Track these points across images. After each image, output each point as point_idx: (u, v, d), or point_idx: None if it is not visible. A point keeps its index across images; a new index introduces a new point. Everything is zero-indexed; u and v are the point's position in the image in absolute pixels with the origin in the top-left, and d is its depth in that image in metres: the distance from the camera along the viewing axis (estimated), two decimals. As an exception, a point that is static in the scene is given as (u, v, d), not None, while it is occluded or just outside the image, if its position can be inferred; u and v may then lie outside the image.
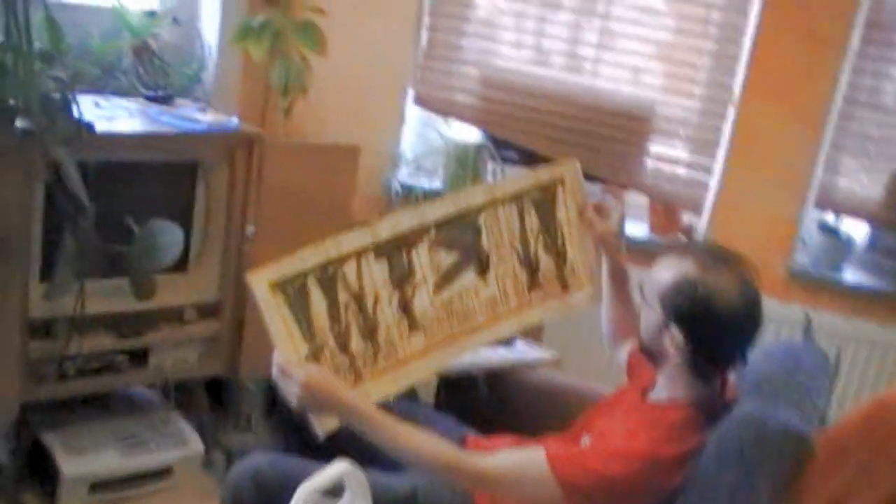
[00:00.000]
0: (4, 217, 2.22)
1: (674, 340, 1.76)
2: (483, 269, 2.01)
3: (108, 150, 2.35)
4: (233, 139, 2.64)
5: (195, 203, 2.67)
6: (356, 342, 1.85)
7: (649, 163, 3.46)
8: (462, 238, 1.98)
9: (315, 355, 1.80)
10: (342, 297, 1.83)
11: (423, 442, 1.78)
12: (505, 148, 3.58)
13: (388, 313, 1.89)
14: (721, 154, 3.34)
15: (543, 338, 3.17)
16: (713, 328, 1.73)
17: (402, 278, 1.90)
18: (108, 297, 2.45)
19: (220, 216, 2.71)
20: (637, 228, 3.49)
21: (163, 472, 2.76)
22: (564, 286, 2.09)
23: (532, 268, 2.06)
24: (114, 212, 2.31)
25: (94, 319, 2.48)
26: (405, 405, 2.23)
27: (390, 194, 3.47)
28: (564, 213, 2.07)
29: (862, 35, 3.16)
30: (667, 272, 1.79)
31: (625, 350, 2.13)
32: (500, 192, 2.03)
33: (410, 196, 3.44)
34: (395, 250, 1.89)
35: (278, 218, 2.77)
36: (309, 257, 1.80)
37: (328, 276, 1.81)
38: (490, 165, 3.52)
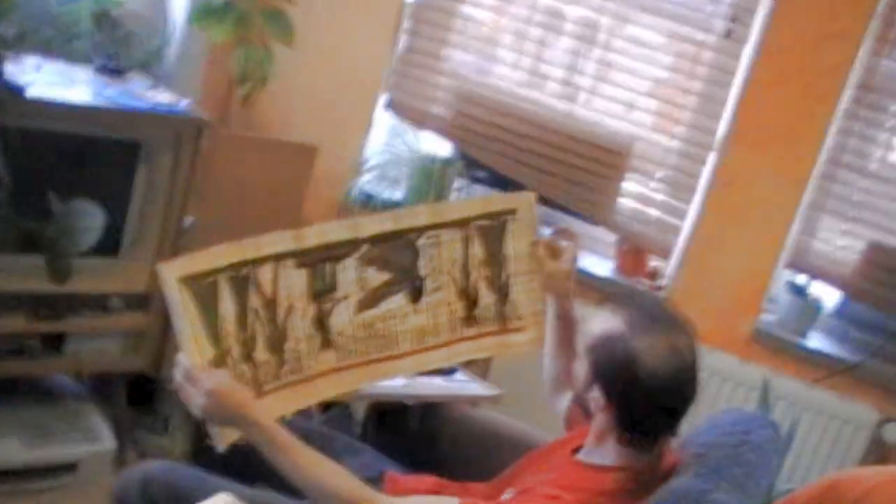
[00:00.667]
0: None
1: (597, 400, 1.63)
2: (416, 295, 1.88)
3: (37, 118, 2.20)
4: (180, 123, 2.52)
5: (133, 186, 2.54)
6: (261, 352, 1.72)
7: (622, 201, 3.34)
8: (397, 258, 1.85)
9: (218, 361, 1.65)
10: (253, 301, 1.69)
11: (329, 474, 1.63)
12: (476, 167, 3.45)
13: (299, 326, 1.76)
14: (697, 200, 3.22)
15: (491, 370, 3.05)
16: (632, 394, 1.61)
17: (321, 291, 1.78)
18: (22, 275, 2.29)
19: (159, 203, 2.60)
20: (602, 267, 3.37)
21: (67, 467, 2.63)
22: (504, 326, 1.96)
23: (470, 301, 1.93)
24: (38, 185, 2.15)
25: (6, 297, 2.33)
26: (323, 432, 2.12)
27: (349, 200, 3.32)
28: (512, 247, 1.94)
29: (853, 96, 3.06)
30: (597, 324, 1.67)
31: (565, 400, 1.99)
32: (445, 214, 1.91)
33: (370, 204, 3.31)
34: (319, 261, 1.77)
35: (222, 212, 2.66)
36: (224, 255, 1.66)
37: (241, 278, 1.67)
38: (457, 183, 3.39)
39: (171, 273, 1.60)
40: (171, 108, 2.49)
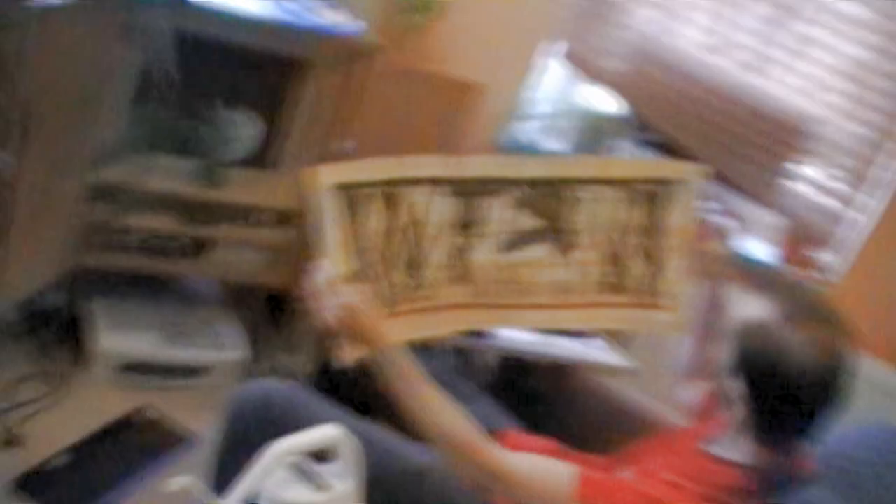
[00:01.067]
0: (92, 73, 2.11)
1: (739, 389, 1.52)
2: (566, 247, 1.78)
3: (211, 25, 2.21)
4: (351, 45, 2.48)
5: (298, 103, 2.53)
6: (400, 272, 1.68)
7: (797, 185, 3.15)
8: (554, 206, 1.76)
9: (360, 275, 1.63)
10: (403, 220, 1.66)
11: (447, 415, 1.61)
12: (646, 130, 3.32)
13: (442, 253, 1.71)
14: (879, 194, 3.00)
15: (634, 341, 2.95)
16: (775, 389, 1.49)
17: (470, 223, 1.72)
18: (177, 177, 2.33)
19: (321, 123, 2.58)
20: (766, 252, 3.20)
21: (199, 370, 2.71)
22: (652, 301, 1.84)
23: (622, 266, 1.82)
24: (203, 91, 2.16)
25: (161, 199, 2.38)
26: (448, 374, 2.08)
27: (512, 147, 3.25)
28: (675, 219, 1.82)
29: None
30: (750, 310, 1.55)
31: (695, 389, 1.88)
32: (612, 170, 1.79)
33: (531, 152, 3.21)
34: (475, 193, 1.71)
35: (380, 140, 2.60)
36: (384, 168, 1.63)
37: (396, 195, 1.64)
38: (624, 143, 3.26)
39: (330, 177, 1.58)
40: (343, 29, 2.46)
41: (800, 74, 3.11)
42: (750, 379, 1.52)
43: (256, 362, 2.78)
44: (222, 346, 2.73)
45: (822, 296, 1.94)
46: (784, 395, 1.50)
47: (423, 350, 2.45)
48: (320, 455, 1.39)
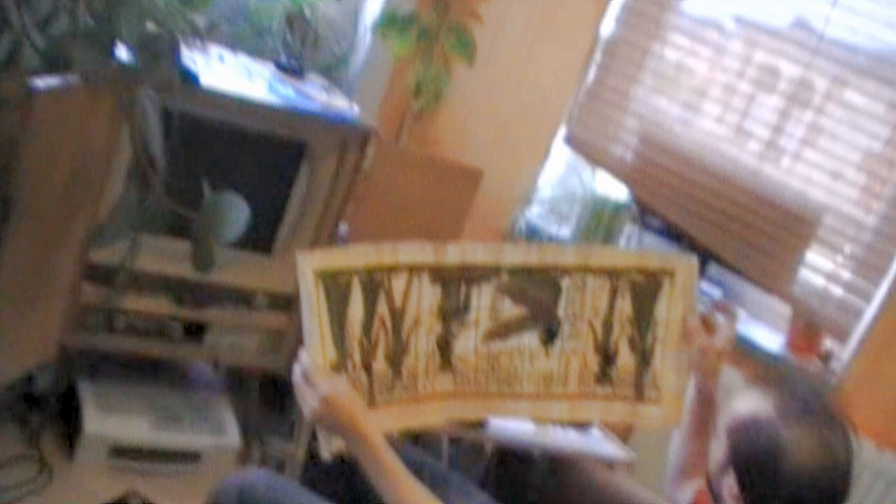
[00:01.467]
0: (87, 151, 2.12)
1: (731, 489, 1.47)
2: (549, 337, 1.78)
3: (205, 107, 2.23)
4: (347, 129, 2.50)
5: (293, 187, 2.55)
6: (380, 362, 1.66)
7: (804, 273, 3.12)
8: (536, 294, 1.76)
9: (339, 365, 1.61)
10: (381, 309, 1.64)
11: None
12: (650, 215, 3.31)
13: (422, 343, 1.70)
14: (886, 284, 2.96)
15: (633, 433, 2.91)
16: (770, 488, 1.45)
17: (451, 312, 1.71)
18: (170, 259, 2.33)
19: (317, 207, 2.61)
20: (771, 340, 3.15)
21: (191, 456, 2.67)
22: (639, 394, 1.81)
23: (607, 358, 1.80)
24: (200, 172, 2.17)
25: (154, 280, 2.38)
26: (438, 468, 2.04)
27: (514, 231, 3.25)
28: (665, 311, 1.80)
29: None
30: (742, 404, 1.52)
31: (689, 491, 1.83)
32: (596, 259, 1.79)
33: (534, 238, 3.22)
34: (454, 280, 1.70)
35: (378, 224, 2.64)
36: (361, 255, 1.63)
37: (374, 282, 1.63)
38: (628, 228, 3.26)
39: (309, 264, 1.57)
40: (340, 114, 2.48)
41: (809, 163, 3.10)
42: (742, 477, 1.48)
43: (250, 449, 2.75)
44: (216, 432, 2.70)
45: (821, 390, 1.90)
46: (779, 495, 1.45)
47: (417, 442, 2.44)
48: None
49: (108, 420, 2.54)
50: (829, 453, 1.45)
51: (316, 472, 2.01)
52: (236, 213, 1.96)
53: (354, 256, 1.61)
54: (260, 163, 2.48)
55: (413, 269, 1.66)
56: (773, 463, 1.45)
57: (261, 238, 2.57)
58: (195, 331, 2.57)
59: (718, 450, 1.55)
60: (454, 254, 1.70)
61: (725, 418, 1.55)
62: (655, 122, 3.29)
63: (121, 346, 2.50)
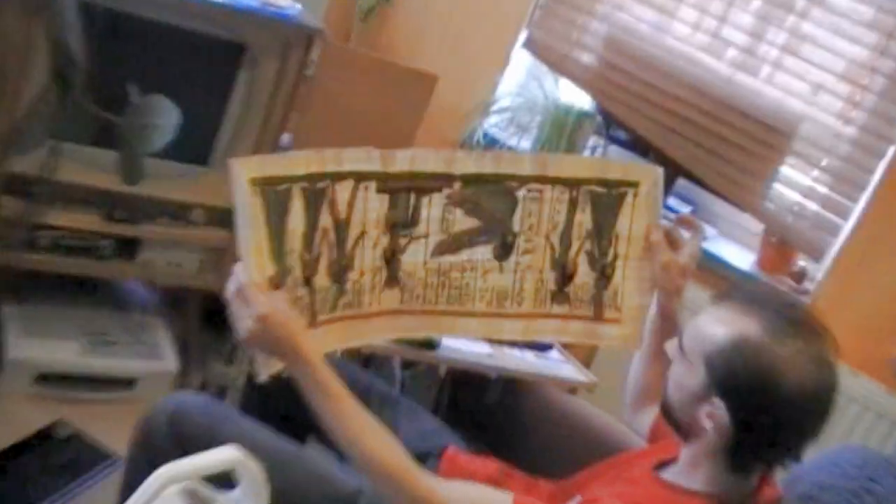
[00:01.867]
0: (3, 50, 2.03)
1: (714, 416, 1.45)
2: (504, 251, 1.75)
3: (134, 3, 2.14)
4: (290, 30, 2.42)
5: (232, 93, 2.46)
6: (322, 277, 1.62)
7: (777, 188, 3.11)
8: (491, 205, 1.72)
9: (277, 281, 1.56)
10: (324, 220, 1.60)
11: (374, 439, 1.52)
12: (615, 126, 3.28)
13: (368, 256, 1.67)
14: (864, 198, 2.96)
15: (596, 355, 2.92)
16: (769, 410, 1.42)
17: (399, 223, 1.68)
18: (98, 170, 2.25)
19: (258, 115, 2.54)
20: (741, 259, 3.16)
21: (125, 382, 2.64)
22: (598, 313, 1.79)
23: (565, 274, 1.77)
24: (127, 76, 2.09)
25: (80, 193, 2.31)
26: (386, 391, 2.03)
27: (471, 142, 3.21)
28: (627, 225, 1.77)
29: None
30: (721, 327, 1.48)
31: (649, 416, 1.82)
32: (554, 168, 1.75)
33: (492, 149, 3.18)
34: (403, 190, 1.67)
35: (323, 134, 2.52)
36: (303, 162, 1.57)
37: (316, 191, 1.58)
38: (592, 140, 3.24)
39: (245, 171, 1.51)
40: (282, 13, 2.40)
41: (790, 72, 3.06)
42: (736, 402, 1.44)
43: (189, 374, 2.71)
44: (151, 356, 2.65)
45: (799, 304, 1.88)
46: (778, 416, 1.42)
47: (364, 363, 2.42)
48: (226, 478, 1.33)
49: (34, 344, 2.48)
50: (823, 368, 1.42)
51: (255, 397, 1.99)
52: (166, 119, 1.90)
53: (295, 163, 1.56)
54: (194, 66, 2.38)
55: (359, 178, 1.62)
56: (773, 384, 1.40)
57: (197, 148, 2.50)
58: (127, 248, 2.50)
59: (690, 377, 1.51)
60: (403, 161, 1.66)
61: (701, 343, 1.50)
62: (623, 27, 3.23)
63: (45, 265, 2.42)
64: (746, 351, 1.43)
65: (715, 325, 1.48)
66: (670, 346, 1.57)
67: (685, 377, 1.51)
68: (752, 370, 1.42)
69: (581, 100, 3.36)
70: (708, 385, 1.46)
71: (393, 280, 1.70)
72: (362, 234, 1.65)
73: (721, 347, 1.45)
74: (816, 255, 3.08)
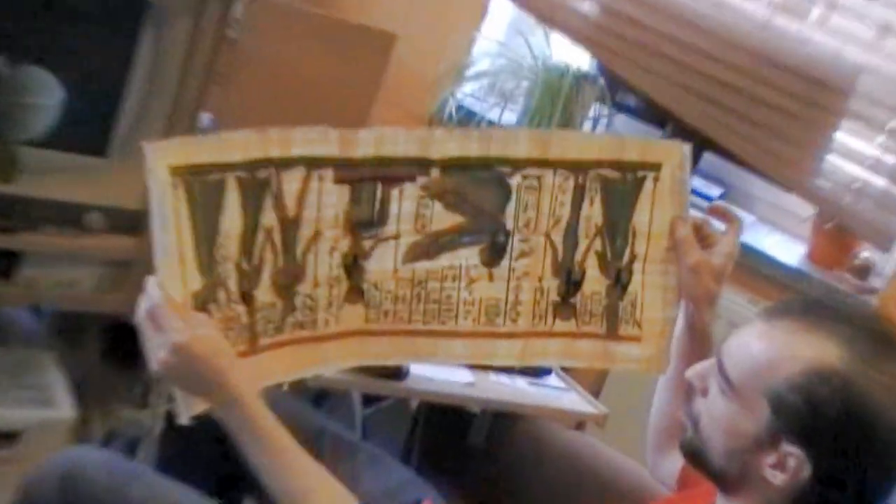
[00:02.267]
0: None
1: (784, 468, 1.46)
2: (494, 254, 1.78)
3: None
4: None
5: (133, 63, 2.48)
6: (264, 291, 1.65)
7: (831, 160, 3.16)
8: (477, 197, 1.75)
9: (205, 296, 1.58)
10: (267, 218, 1.63)
11: (327, 498, 1.56)
12: (624, 91, 3.33)
13: (323, 264, 1.69)
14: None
15: (608, 381, 2.97)
16: (863, 453, 1.44)
17: (363, 222, 1.70)
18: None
19: (168, 89, 2.55)
20: (789, 252, 3.21)
21: (9, 435, 2.62)
22: (612, 329, 1.82)
23: (570, 282, 1.81)
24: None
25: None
26: (343, 435, 2.07)
27: (441, 116, 3.25)
28: (647, 219, 1.80)
29: None
30: (787, 352, 1.48)
31: (679, 458, 1.84)
32: (556, 149, 1.78)
33: (469, 124, 3.30)
34: (368, 179, 1.69)
35: (253, 112, 2.59)
36: (239, 145, 1.59)
37: (257, 182, 1.60)
38: (594, 109, 3.27)
39: (163, 157, 1.52)
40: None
41: (844, 12, 3.11)
42: (821, 449, 1.46)
43: (89, 423, 2.74)
44: (39, 403, 2.67)
45: (873, 314, 1.89)
46: (871, 460, 1.45)
47: (315, 400, 2.46)
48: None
49: None
50: None
51: (176, 447, 2.02)
52: (46, 97, 1.91)
53: (229, 147, 1.58)
54: (83, 27, 2.42)
55: (311, 165, 1.64)
56: (869, 423, 1.41)
57: (90, 135, 2.53)
58: (3, 264, 2.52)
59: (744, 417, 1.49)
60: (367, 143, 1.69)
61: (759, 374, 1.49)
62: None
63: None
64: (834, 383, 1.43)
65: (777, 350, 1.48)
66: (702, 373, 1.57)
67: (737, 418, 1.50)
68: (841, 408, 1.43)
69: (579, 59, 3.44)
70: (775, 429, 1.47)
71: (355, 293, 1.72)
72: (316, 235, 1.67)
73: (793, 381, 1.45)
74: (884, 243, 3.14)
